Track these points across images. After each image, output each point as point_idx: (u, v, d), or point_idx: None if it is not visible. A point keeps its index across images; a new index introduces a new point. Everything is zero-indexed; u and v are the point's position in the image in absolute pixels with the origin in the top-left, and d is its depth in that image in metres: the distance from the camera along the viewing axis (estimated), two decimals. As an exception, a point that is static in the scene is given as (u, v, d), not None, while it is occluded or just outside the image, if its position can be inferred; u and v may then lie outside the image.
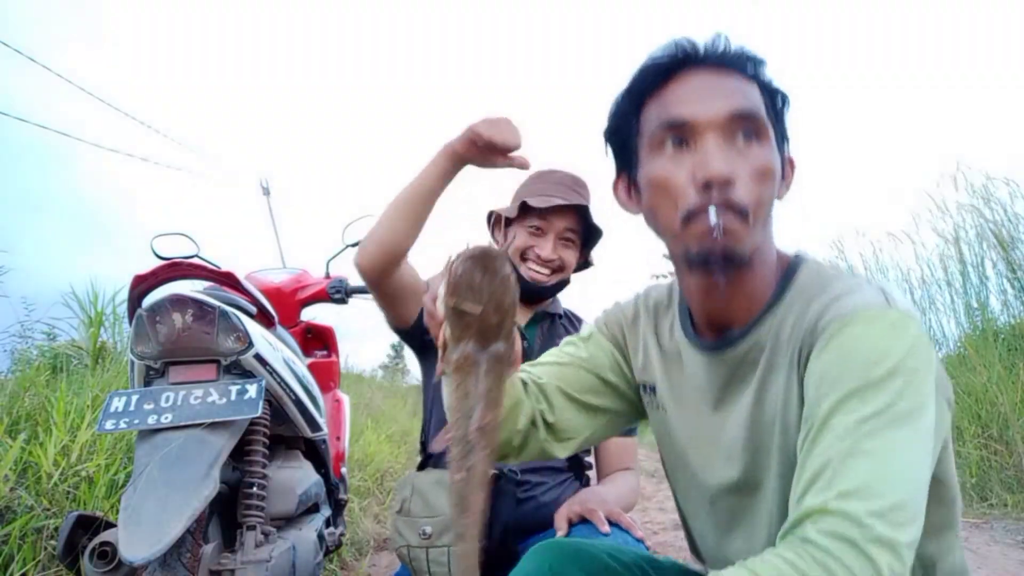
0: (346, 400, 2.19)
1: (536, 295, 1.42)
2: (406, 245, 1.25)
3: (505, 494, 1.26)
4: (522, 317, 1.44)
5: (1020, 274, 3.77)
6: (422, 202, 1.21)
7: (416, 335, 1.40)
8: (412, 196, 1.21)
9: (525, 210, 1.38)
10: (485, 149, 1.11)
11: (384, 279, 1.28)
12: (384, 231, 1.23)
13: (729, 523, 0.79)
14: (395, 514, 1.25)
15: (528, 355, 1.36)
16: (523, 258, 1.40)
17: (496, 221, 1.47)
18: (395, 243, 1.23)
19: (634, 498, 1.37)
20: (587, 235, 1.44)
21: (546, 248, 1.38)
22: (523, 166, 1.15)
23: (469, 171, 1.22)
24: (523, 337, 1.39)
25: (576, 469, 1.40)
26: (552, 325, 1.46)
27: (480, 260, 0.56)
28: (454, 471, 0.62)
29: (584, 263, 1.51)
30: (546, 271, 1.40)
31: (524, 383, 0.85)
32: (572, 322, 1.50)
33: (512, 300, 0.59)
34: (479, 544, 0.87)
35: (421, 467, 1.46)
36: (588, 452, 1.47)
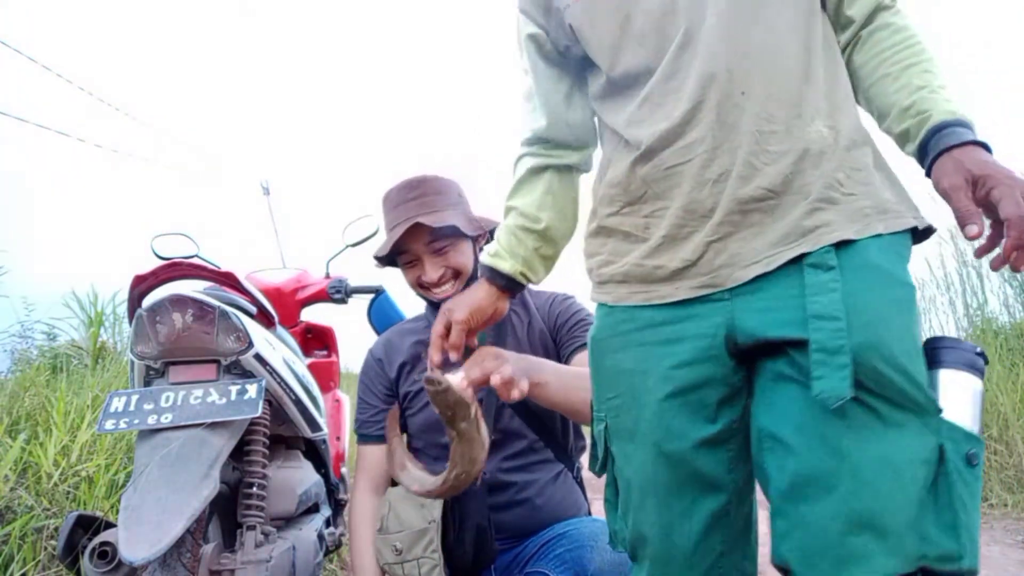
0: (346, 400, 2.19)
1: None
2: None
3: (473, 495, 1.24)
4: None
5: (1019, 274, 3.77)
6: None
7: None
8: None
9: (386, 259, 1.39)
10: None
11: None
12: None
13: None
14: (376, 533, 1.25)
15: None
16: (423, 287, 1.39)
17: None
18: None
19: (584, 388, 1.11)
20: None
21: (428, 271, 1.37)
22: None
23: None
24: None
25: (566, 460, 1.39)
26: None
27: (427, 386, 0.97)
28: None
29: (489, 236, 1.45)
30: (446, 287, 1.37)
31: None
32: (522, 302, 1.46)
33: (447, 402, 0.95)
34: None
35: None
36: (581, 437, 1.45)
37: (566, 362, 1.36)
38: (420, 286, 1.39)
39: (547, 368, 1.13)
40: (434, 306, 1.43)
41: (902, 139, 0.79)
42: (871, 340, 0.71)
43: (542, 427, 1.36)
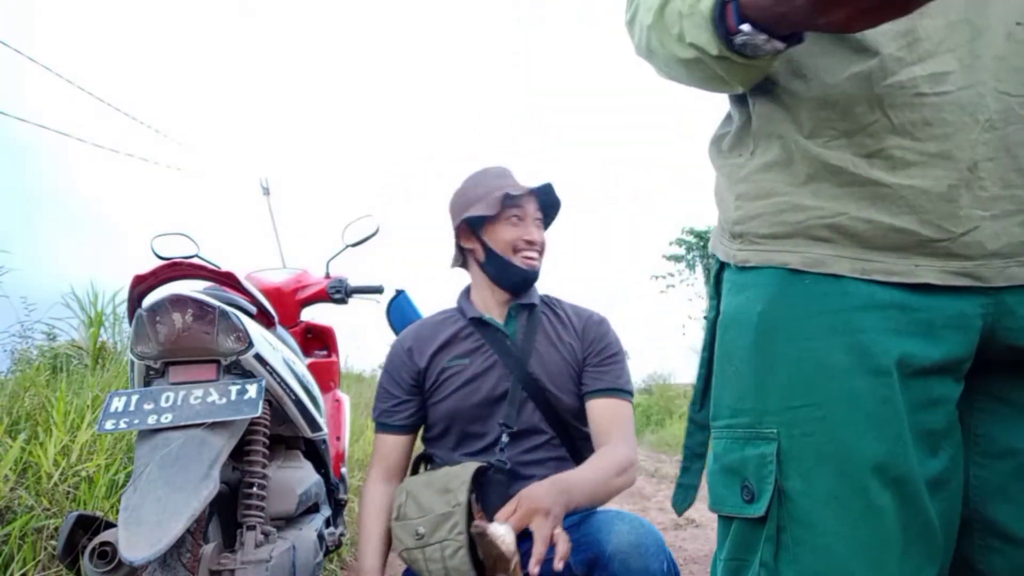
0: (346, 400, 2.19)
1: (531, 281, 1.46)
2: None
3: (496, 484, 1.28)
4: (499, 312, 1.47)
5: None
6: None
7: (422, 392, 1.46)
8: None
9: (502, 203, 1.41)
10: None
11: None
12: None
13: None
14: (393, 520, 1.25)
15: (511, 349, 1.41)
16: (514, 250, 1.42)
17: (465, 232, 1.47)
18: None
19: (619, 479, 1.25)
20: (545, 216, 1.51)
21: (533, 231, 1.43)
22: None
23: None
24: (505, 335, 1.43)
25: (579, 460, 1.39)
26: (531, 315, 1.46)
27: (474, 533, 1.04)
28: None
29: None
30: (536, 254, 1.44)
31: None
32: (552, 309, 1.51)
33: (490, 552, 1.00)
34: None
35: (415, 465, 1.48)
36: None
37: (585, 400, 1.39)
38: (514, 249, 1.42)
39: (581, 490, 1.17)
40: (510, 277, 1.43)
41: None
42: None
43: (562, 426, 1.39)
